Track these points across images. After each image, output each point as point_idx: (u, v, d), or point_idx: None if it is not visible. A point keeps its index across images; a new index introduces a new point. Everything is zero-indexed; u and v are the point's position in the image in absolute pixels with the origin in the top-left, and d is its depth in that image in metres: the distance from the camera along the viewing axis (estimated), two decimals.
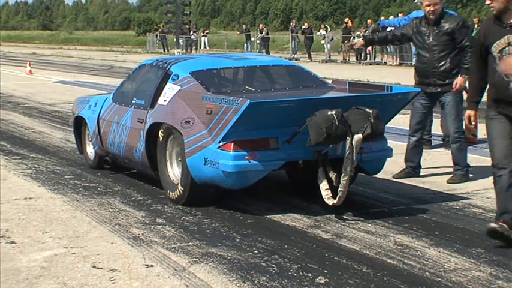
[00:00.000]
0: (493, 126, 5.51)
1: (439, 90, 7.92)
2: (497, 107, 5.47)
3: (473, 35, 25.03)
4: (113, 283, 4.90)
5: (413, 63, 10.73)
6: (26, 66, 28.14)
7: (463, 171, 7.97)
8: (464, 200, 7.15)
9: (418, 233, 6.04)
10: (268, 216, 6.58)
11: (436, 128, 10.28)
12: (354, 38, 32.87)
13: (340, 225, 6.29)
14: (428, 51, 7.88)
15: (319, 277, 4.97)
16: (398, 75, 21.99)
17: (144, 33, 61.92)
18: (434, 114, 10.07)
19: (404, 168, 8.26)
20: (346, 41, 34.00)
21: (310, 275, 5.02)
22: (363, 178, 7.59)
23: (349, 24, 35.12)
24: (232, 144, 6.39)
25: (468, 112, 5.68)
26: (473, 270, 5.10)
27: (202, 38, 46.56)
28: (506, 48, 5.41)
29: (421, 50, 8.01)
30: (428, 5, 7.85)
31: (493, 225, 5.51)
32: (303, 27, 38.21)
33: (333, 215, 6.53)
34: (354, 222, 6.38)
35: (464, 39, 7.77)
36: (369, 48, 31.87)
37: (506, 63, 5.32)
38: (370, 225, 6.28)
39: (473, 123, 5.63)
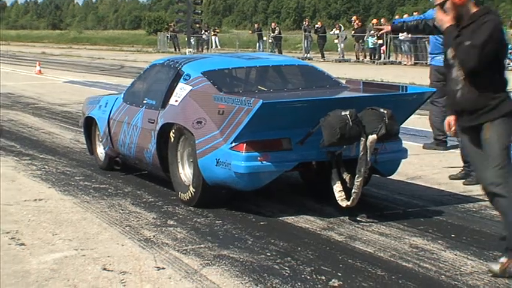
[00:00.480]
0: (465, 145, 5.37)
1: None
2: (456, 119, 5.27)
3: None
4: (124, 285, 4.92)
5: (429, 62, 10.70)
6: (35, 66, 28.25)
7: None
8: (480, 202, 7.12)
9: (433, 235, 6.03)
10: (281, 218, 6.59)
11: None
12: (367, 37, 32.82)
13: (354, 227, 6.28)
14: None
15: (333, 280, 4.97)
16: (413, 75, 21.94)
17: (154, 33, 62.00)
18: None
19: (462, 169, 8.21)
20: (360, 41, 33.93)
21: (323, 277, 5.02)
22: (377, 179, 7.59)
23: (357, 23, 34.82)
24: (245, 145, 6.39)
25: (448, 118, 5.36)
26: (490, 274, 5.07)
27: (213, 37, 46.57)
28: None
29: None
30: None
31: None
32: (316, 26, 38.14)
33: (347, 217, 6.53)
34: (368, 224, 6.38)
35: None
36: (383, 47, 31.79)
37: (438, 18, 5.14)
38: (384, 227, 6.28)
39: (452, 128, 5.43)
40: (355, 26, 35.13)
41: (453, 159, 9.31)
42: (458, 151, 9.88)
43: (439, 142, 10.05)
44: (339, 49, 35.60)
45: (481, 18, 4.95)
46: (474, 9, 5.03)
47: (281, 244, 5.79)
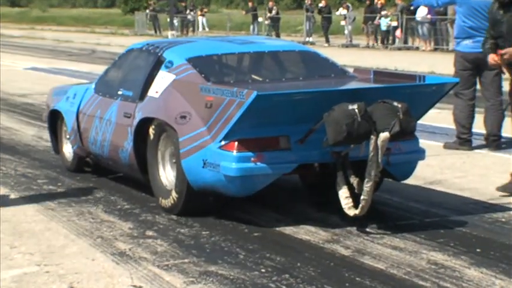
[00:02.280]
0: None
1: None
2: None
3: None
4: None
5: (454, 48, 10.72)
6: None
7: None
8: (511, 212, 7.14)
9: (455, 249, 6.05)
10: (277, 229, 6.60)
11: (479, 125, 10.28)
12: (379, 18, 32.85)
13: (363, 239, 6.30)
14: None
15: None
16: (433, 63, 22.00)
17: (131, 12, 61.95)
18: (476, 109, 10.10)
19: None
20: (369, 22, 33.95)
21: None
22: (390, 184, 7.60)
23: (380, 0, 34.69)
24: (236, 143, 6.40)
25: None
26: None
27: (200, 18, 46.57)
28: None
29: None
30: None
31: None
32: (320, 5, 38.12)
33: (354, 228, 6.55)
34: (379, 236, 6.39)
35: None
36: (399, 30, 31.78)
37: None
38: (398, 240, 6.29)
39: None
40: (368, 3, 35.07)
41: (479, 160, 9.34)
42: (485, 151, 9.92)
43: (463, 141, 10.07)
44: (346, 32, 35.64)
45: None
46: None
47: (278, 259, 5.81)
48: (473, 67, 9.82)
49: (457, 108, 10.10)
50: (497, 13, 7.76)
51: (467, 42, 9.87)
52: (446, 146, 10.20)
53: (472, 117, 10.06)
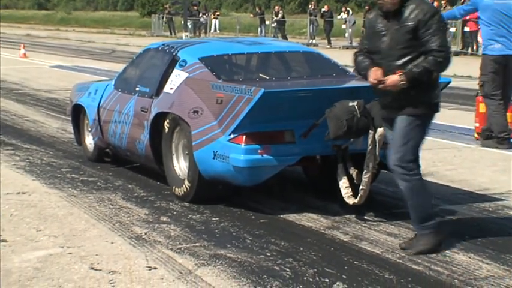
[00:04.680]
0: None
1: None
2: None
3: None
4: (113, 286, 4.93)
5: (482, 52, 10.24)
6: (19, 49, 28.23)
7: None
8: (497, 201, 7.13)
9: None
10: (282, 216, 6.59)
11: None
12: None
13: (361, 226, 6.29)
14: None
15: (337, 283, 4.98)
16: None
17: (148, 15, 61.90)
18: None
19: None
20: None
21: (327, 280, 5.03)
22: (386, 176, 7.58)
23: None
24: (244, 137, 6.40)
25: None
26: (507, 279, 5.08)
27: (213, 21, 46.53)
28: None
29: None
30: None
31: None
32: (322, 10, 38.09)
33: (353, 216, 6.53)
34: (375, 223, 6.38)
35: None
36: None
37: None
38: (393, 227, 6.28)
39: None
40: (367, 8, 35.08)
41: (468, 155, 9.31)
42: (473, 146, 9.89)
43: (501, 140, 9.54)
44: (346, 35, 35.58)
45: None
46: None
47: (282, 244, 5.80)
48: (502, 68, 9.52)
49: (491, 109, 9.63)
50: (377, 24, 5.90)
51: (497, 45, 9.56)
52: (485, 144, 9.71)
53: (506, 115, 9.62)
